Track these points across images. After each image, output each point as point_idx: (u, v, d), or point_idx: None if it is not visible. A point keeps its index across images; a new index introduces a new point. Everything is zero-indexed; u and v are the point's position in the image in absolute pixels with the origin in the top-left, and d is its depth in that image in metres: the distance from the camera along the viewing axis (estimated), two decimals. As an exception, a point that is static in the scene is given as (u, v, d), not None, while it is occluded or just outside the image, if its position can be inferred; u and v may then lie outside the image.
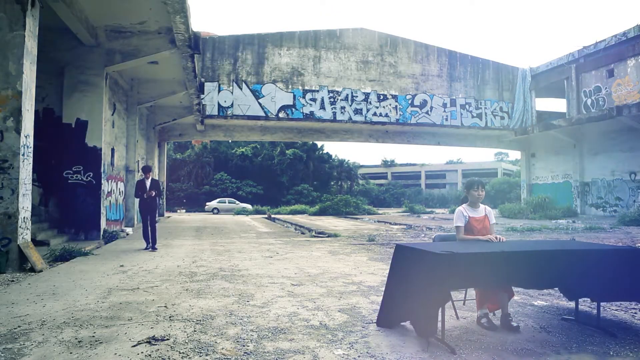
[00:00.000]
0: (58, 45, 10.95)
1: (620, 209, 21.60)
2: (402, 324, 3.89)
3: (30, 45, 7.35)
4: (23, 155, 7.08)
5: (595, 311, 3.98)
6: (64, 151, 11.04)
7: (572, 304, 4.43)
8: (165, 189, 26.66)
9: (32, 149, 7.47)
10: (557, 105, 30.81)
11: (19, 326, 3.88)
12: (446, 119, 25.70)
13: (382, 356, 3.23)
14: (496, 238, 4.14)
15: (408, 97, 25.17)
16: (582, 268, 3.70)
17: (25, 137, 7.18)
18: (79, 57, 11.23)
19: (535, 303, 4.89)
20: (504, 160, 70.43)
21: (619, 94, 22.26)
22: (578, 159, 24.97)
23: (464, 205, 4.42)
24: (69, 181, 11.06)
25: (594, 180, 24.20)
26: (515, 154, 48.44)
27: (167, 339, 3.56)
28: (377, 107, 24.71)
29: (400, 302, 3.75)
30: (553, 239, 11.37)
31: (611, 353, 3.29)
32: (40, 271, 6.73)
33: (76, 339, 3.55)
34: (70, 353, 3.22)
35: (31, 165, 7.47)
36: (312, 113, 23.81)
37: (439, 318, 3.40)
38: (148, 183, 9.90)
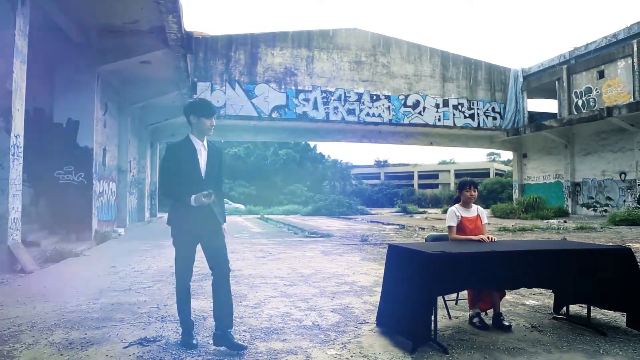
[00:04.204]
0: (49, 44, 10.83)
1: (611, 209, 21.80)
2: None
3: (21, 44, 7.29)
4: (13, 155, 7.02)
5: (585, 310, 4.01)
6: (55, 151, 10.93)
7: (563, 303, 4.46)
8: (157, 190, 23.54)
9: (22, 149, 7.40)
10: (549, 106, 31.04)
11: (8, 328, 3.84)
12: (439, 119, 25.79)
13: (374, 356, 3.23)
14: (488, 238, 4.17)
15: (401, 97, 25.23)
16: (573, 268, 3.73)
17: (15, 136, 7.11)
18: (70, 56, 11.14)
19: (527, 302, 4.93)
20: (496, 160, 70.80)
21: (609, 95, 22.47)
22: (569, 159, 25.18)
23: (456, 205, 4.44)
24: (60, 181, 10.96)
25: (584, 180, 24.42)
26: (507, 154, 48.68)
27: (159, 340, 3.54)
28: (370, 108, 24.74)
29: (395, 303, 3.75)
30: (544, 239, 11.45)
31: (601, 351, 3.32)
32: (31, 272, 6.66)
33: (67, 340, 3.51)
34: (61, 355, 3.20)
35: (21, 165, 7.40)
36: (305, 113, 23.78)
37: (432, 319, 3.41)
38: (203, 155, 3.47)
